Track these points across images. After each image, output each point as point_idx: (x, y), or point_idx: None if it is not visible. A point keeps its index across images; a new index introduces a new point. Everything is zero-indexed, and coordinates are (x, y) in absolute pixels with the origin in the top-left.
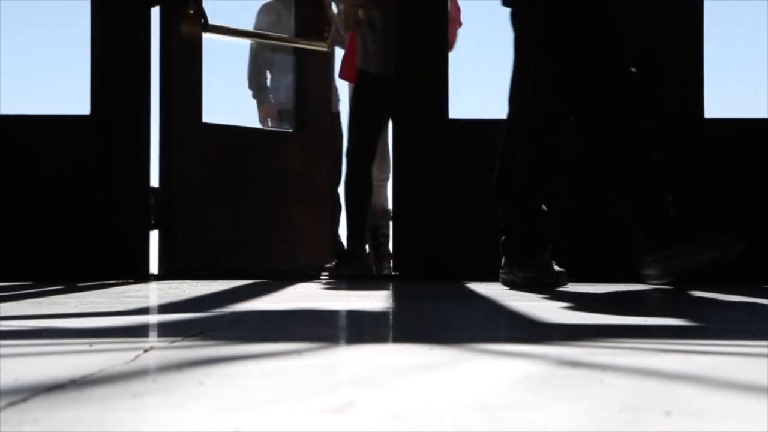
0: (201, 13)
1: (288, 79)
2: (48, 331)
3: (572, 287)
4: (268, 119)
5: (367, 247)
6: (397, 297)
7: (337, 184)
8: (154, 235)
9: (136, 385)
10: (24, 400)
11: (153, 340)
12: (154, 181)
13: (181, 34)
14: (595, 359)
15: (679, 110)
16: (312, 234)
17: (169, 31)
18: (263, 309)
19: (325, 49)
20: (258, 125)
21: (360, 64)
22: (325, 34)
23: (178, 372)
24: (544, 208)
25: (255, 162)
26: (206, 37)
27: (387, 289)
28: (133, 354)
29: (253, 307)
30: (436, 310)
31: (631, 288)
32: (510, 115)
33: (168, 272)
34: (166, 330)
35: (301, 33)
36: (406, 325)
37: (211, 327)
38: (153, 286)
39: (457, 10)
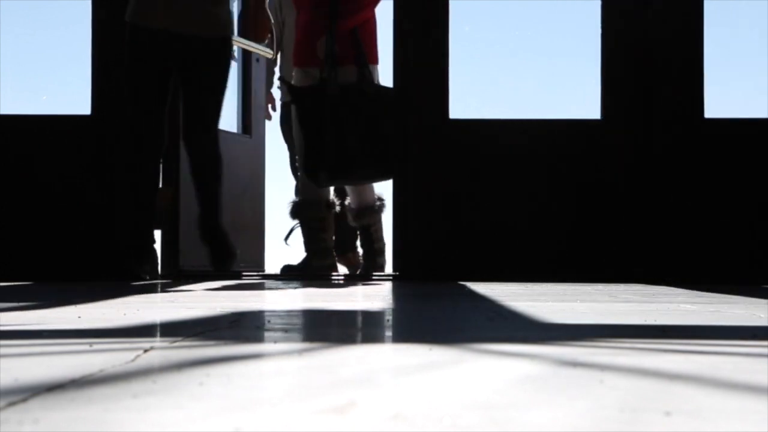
0: None
1: None
2: (48, 331)
3: (573, 287)
4: (268, 105)
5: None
6: (397, 297)
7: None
8: (156, 235)
9: (136, 385)
10: (24, 400)
11: (153, 340)
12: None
13: None
14: (595, 359)
15: (679, 110)
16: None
17: None
18: (263, 309)
19: (269, 55)
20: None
21: (127, 17)
22: (266, 41)
23: (178, 372)
24: None
25: (247, 164)
26: None
27: (387, 289)
28: (133, 354)
29: (253, 307)
30: (436, 310)
31: (632, 288)
32: None
33: (170, 272)
34: (166, 330)
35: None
36: (406, 325)
37: (211, 327)
38: (154, 285)
39: None
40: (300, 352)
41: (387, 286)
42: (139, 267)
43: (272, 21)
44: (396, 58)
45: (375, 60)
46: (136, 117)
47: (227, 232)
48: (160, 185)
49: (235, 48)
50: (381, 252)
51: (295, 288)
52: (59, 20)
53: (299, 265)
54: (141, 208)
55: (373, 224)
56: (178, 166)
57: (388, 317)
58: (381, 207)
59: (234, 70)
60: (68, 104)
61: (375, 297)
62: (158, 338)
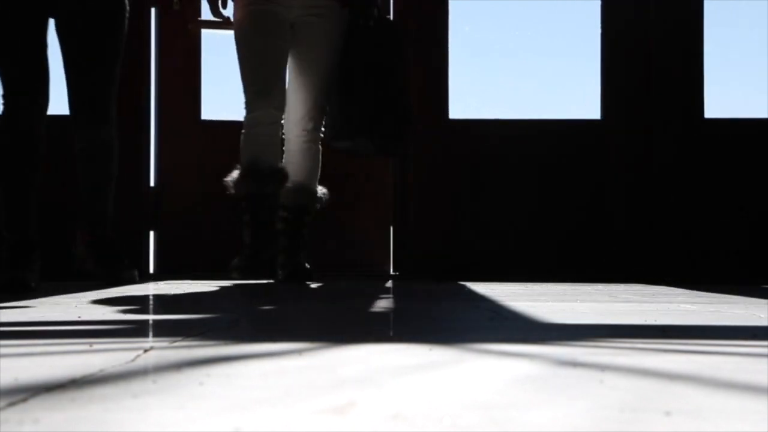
0: (192, 8)
1: None
2: (48, 331)
3: (573, 287)
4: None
5: None
6: (397, 297)
7: None
8: (152, 235)
9: (136, 385)
10: (24, 400)
11: (153, 340)
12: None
13: (178, 31)
14: (595, 359)
15: (679, 110)
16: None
17: (163, 29)
18: (263, 309)
19: None
20: None
21: None
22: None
23: (178, 372)
24: None
25: None
26: (207, 32)
27: (387, 288)
28: (133, 354)
29: (253, 307)
30: (436, 310)
31: (632, 288)
32: None
33: (166, 272)
34: (166, 330)
35: None
36: (406, 325)
37: (211, 327)
38: (152, 286)
39: None
40: (300, 351)
41: (387, 286)
42: (18, 272)
43: None
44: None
45: None
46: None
47: (119, 251)
48: (152, 184)
49: None
50: (302, 250)
51: (295, 288)
52: None
53: (243, 262)
54: (14, 191)
55: (309, 212)
56: (170, 164)
57: (388, 317)
58: (320, 200)
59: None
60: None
61: (375, 297)
62: (158, 338)
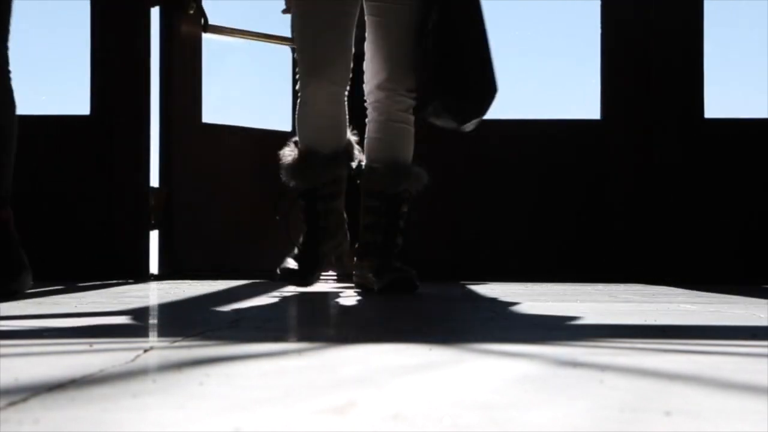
0: (201, 13)
1: None
2: (48, 331)
3: (573, 287)
4: None
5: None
6: (396, 297)
7: None
8: (153, 235)
9: (136, 385)
10: (24, 400)
11: (153, 340)
12: (155, 181)
13: (181, 34)
14: (595, 359)
15: (679, 110)
16: None
17: (168, 31)
18: (263, 309)
19: None
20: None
21: None
22: None
23: (178, 372)
24: None
25: (255, 161)
26: (207, 37)
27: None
28: (133, 354)
29: (253, 307)
30: (436, 310)
31: (632, 288)
32: None
33: (167, 272)
34: (166, 330)
35: None
36: (407, 325)
37: (211, 327)
38: (153, 286)
39: None
40: (300, 351)
41: None
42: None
43: None
44: None
45: None
46: None
47: (14, 233)
48: (155, 185)
49: None
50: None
51: (295, 288)
52: (59, 20)
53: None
54: None
55: (405, 199)
56: (171, 165)
57: (389, 317)
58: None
59: None
60: (67, 104)
61: (375, 297)
62: (158, 338)
